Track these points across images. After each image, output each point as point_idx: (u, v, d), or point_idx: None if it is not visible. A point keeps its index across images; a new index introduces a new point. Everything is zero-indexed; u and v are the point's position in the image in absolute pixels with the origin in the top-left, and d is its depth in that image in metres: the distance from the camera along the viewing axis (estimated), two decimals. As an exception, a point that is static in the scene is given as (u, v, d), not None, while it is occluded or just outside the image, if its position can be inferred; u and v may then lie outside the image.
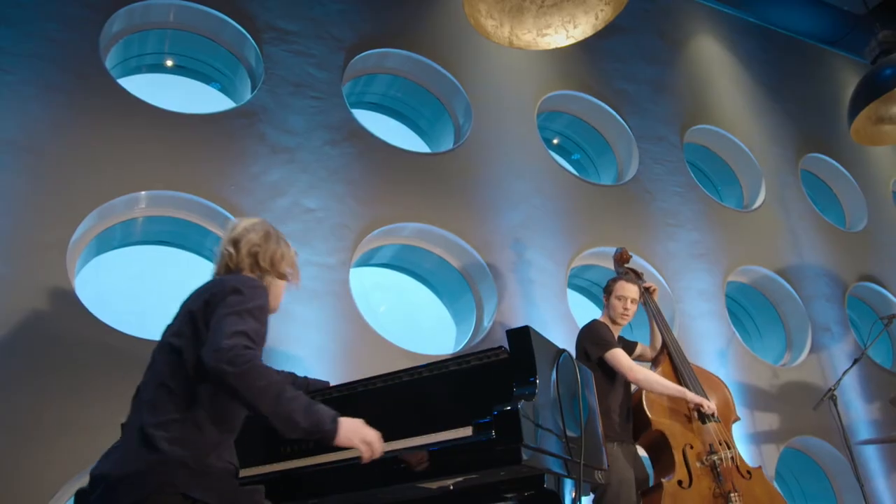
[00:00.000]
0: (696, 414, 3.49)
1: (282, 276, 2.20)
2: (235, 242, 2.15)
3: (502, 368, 2.15)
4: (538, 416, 1.97)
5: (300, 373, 3.03)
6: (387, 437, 2.15)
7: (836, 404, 4.23)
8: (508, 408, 1.89)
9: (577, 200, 5.06)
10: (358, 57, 4.71)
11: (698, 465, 3.35)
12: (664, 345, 3.77)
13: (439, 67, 5.01)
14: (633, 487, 3.24)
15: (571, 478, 2.15)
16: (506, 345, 2.17)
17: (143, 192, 3.67)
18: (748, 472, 3.43)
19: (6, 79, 3.53)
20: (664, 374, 3.63)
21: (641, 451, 3.62)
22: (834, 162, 7.03)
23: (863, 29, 7.14)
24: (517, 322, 4.23)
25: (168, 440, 1.77)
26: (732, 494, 3.26)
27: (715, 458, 3.35)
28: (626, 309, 3.62)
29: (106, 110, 3.72)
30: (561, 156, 5.81)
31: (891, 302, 6.35)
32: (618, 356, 3.42)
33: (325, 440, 1.83)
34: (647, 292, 3.90)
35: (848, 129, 4.96)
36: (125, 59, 4.40)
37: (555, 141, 5.97)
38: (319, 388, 2.59)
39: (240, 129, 4.05)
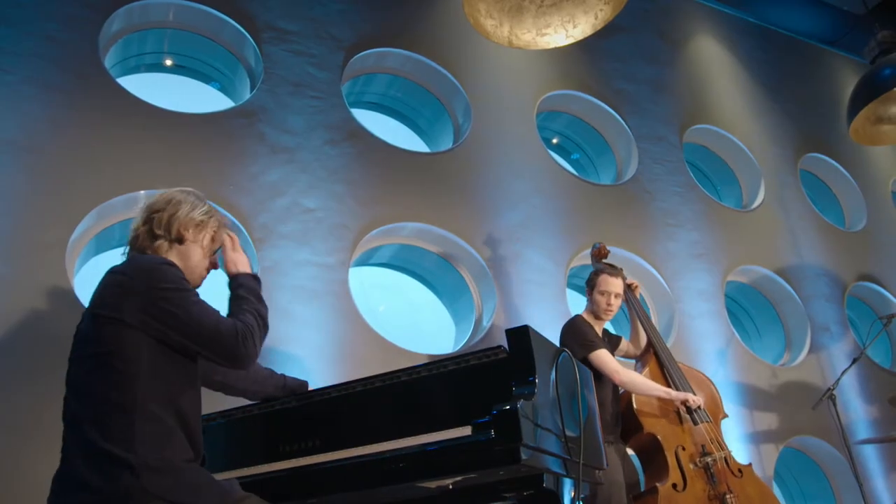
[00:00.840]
0: (685, 413, 3.48)
1: (181, 240, 2.02)
2: (140, 212, 2.06)
3: (501, 368, 2.14)
4: (537, 416, 1.97)
5: (300, 373, 3.04)
6: (386, 437, 2.16)
7: (835, 404, 4.23)
8: (507, 407, 1.89)
9: (576, 200, 5.06)
10: (357, 56, 4.71)
11: (692, 466, 3.33)
12: (649, 343, 3.74)
13: (439, 67, 5.01)
14: (623, 489, 3.23)
15: (571, 477, 2.15)
16: (505, 344, 2.17)
17: (142, 192, 3.67)
18: (739, 471, 3.43)
19: (5, 78, 3.53)
20: (651, 373, 3.60)
21: (630, 452, 3.61)
22: (833, 162, 7.04)
23: (862, 29, 7.14)
24: (516, 322, 4.23)
25: (127, 448, 1.68)
26: (728, 496, 3.25)
27: (708, 459, 3.34)
28: (609, 304, 3.58)
29: (105, 110, 3.72)
30: (560, 155, 5.81)
31: (890, 302, 6.36)
32: (603, 358, 3.38)
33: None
34: (629, 289, 3.88)
35: (847, 128, 4.96)
36: (124, 58, 4.40)
37: (554, 141, 5.97)
38: (297, 386, 2.57)
39: (239, 129, 4.05)
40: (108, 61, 4.05)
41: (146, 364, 1.79)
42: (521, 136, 5.10)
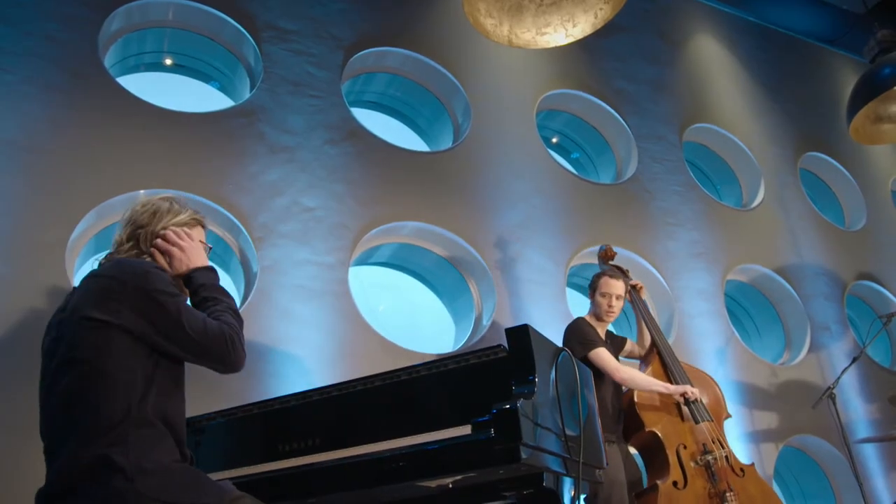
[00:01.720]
0: (687, 411, 3.49)
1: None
2: (123, 223, 2.03)
3: (501, 367, 2.14)
4: (537, 415, 1.97)
5: (300, 372, 3.04)
6: (385, 436, 2.16)
7: (834, 403, 4.23)
8: (507, 406, 1.89)
9: (576, 199, 5.06)
10: (357, 56, 4.71)
11: (692, 465, 3.34)
12: (653, 343, 3.75)
13: (438, 66, 5.01)
14: (624, 488, 3.24)
15: (570, 476, 2.15)
16: (505, 343, 2.17)
17: (141, 191, 3.67)
18: (741, 470, 3.43)
19: (5, 78, 3.53)
20: (654, 373, 3.62)
21: (633, 451, 3.62)
22: (833, 161, 7.04)
23: (862, 28, 7.14)
24: (516, 321, 4.23)
25: (119, 452, 1.65)
26: (728, 494, 3.26)
27: (709, 457, 3.35)
28: (610, 306, 3.60)
29: (105, 109, 3.72)
30: (560, 155, 5.81)
31: (890, 301, 6.36)
32: (602, 356, 3.40)
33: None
34: (633, 290, 3.89)
35: (847, 128, 4.96)
36: (124, 57, 4.40)
37: (554, 140, 5.97)
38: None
39: (239, 129, 4.05)
40: (108, 61, 4.05)
41: (137, 368, 1.77)
42: (520, 136, 5.10)
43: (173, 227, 2.02)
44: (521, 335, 2.12)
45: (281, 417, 2.49)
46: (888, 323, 4.59)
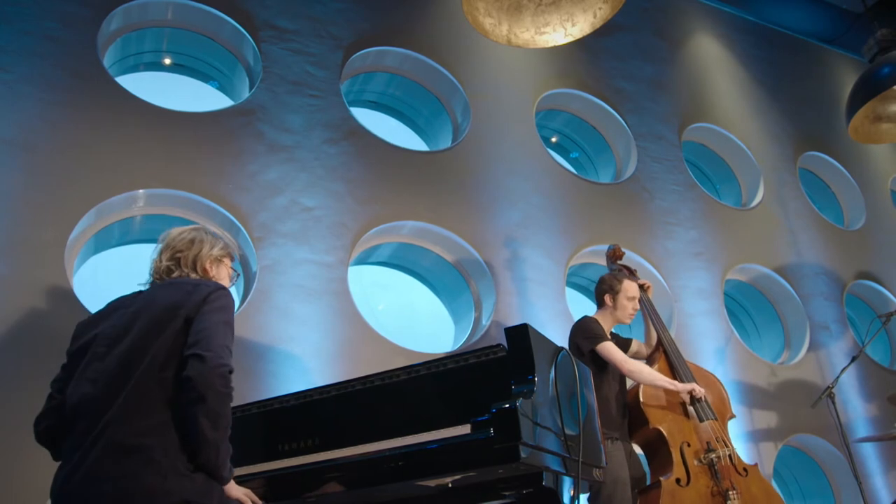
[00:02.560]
0: (692, 409, 3.49)
1: (206, 277, 2.20)
2: (160, 252, 2.21)
3: (501, 366, 2.15)
4: (536, 414, 1.97)
5: (299, 371, 3.04)
6: (385, 435, 2.16)
7: (834, 402, 4.23)
8: (507, 406, 1.89)
9: (575, 199, 5.06)
10: (356, 55, 4.71)
11: (696, 463, 3.35)
12: (659, 342, 3.77)
13: (438, 66, 5.01)
14: (627, 486, 3.24)
15: (570, 476, 2.15)
16: (504, 343, 2.17)
17: (140, 191, 3.67)
18: (745, 470, 3.44)
19: (4, 77, 3.52)
20: (660, 371, 3.62)
21: (637, 449, 3.62)
22: (832, 160, 7.04)
23: (861, 27, 7.15)
24: (515, 320, 4.23)
25: (155, 448, 1.76)
26: (731, 492, 3.27)
27: (713, 455, 3.35)
28: (635, 308, 3.66)
29: (104, 108, 3.71)
30: (559, 154, 5.81)
31: (889, 300, 6.36)
32: (609, 348, 3.42)
33: (217, 481, 1.89)
34: (641, 289, 3.90)
35: (846, 127, 4.96)
36: (123, 57, 4.40)
37: (553, 139, 5.97)
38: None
39: (238, 128, 4.05)
40: (107, 60, 4.05)
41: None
42: (520, 135, 5.09)
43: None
44: (521, 334, 2.12)
45: (280, 417, 2.49)
46: (887, 322, 4.59)
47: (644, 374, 3.44)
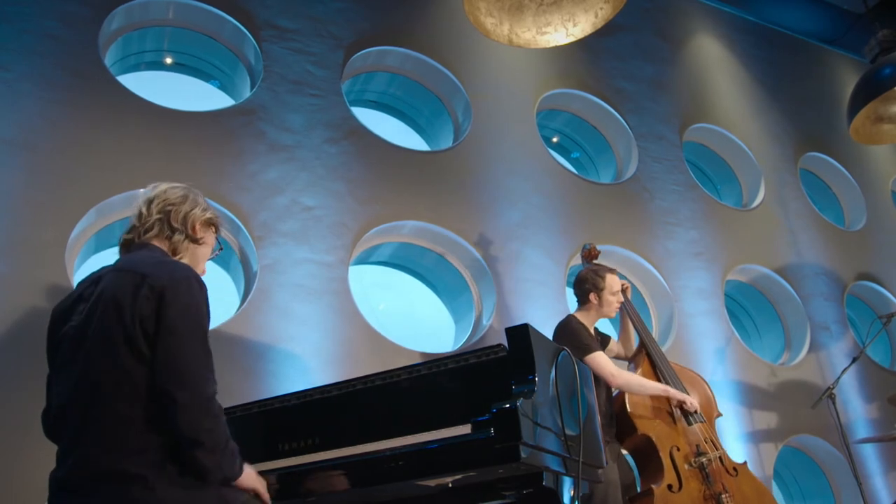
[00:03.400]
0: (678, 413, 3.47)
1: (195, 241, 2.03)
2: (150, 202, 2.02)
3: (501, 366, 2.14)
4: (537, 414, 1.97)
5: (299, 371, 3.03)
6: (385, 435, 2.16)
7: (834, 403, 4.23)
8: (507, 406, 1.89)
9: (576, 199, 5.06)
10: (357, 55, 4.71)
11: (687, 467, 3.32)
12: (642, 344, 3.73)
13: (439, 66, 5.01)
14: (619, 488, 3.22)
15: (570, 476, 2.15)
16: (505, 343, 2.17)
17: (141, 190, 3.65)
18: (734, 469, 3.42)
19: (4, 76, 3.52)
20: (644, 374, 3.58)
21: (625, 453, 3.60)
22: (833, 161, 7.04)
23: (862, 28, 7.14)
24: (516, 320, 4.23)
25: (141, 462, 1.65)
26: (723, 496, 3.24)
27: (703, 459, 3.33)
28: (619, 301, 3.63)
29: (104, 108, 3.71)
30: (560, 154, 5.81)
31: (889, 301, 6.36)
32: (599, 361, 3.37)
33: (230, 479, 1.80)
34: (622, 290, 3.88)
35: (847, 128, 4.96)
36: (124, 56, 4.40)
37: (554, 139, 5.97)
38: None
39: (239, 127, 4.05)
40: (108, 59, 4.05)
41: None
42: (521, 135, 5.09)
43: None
44: (521, 334, 2.12)
45: (281, 416, 2.49)
46: (888, 323, 4.59)
47: (633, 385, 3.39)
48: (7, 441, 2.88)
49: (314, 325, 3.72)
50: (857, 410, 5.50)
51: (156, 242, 2.00)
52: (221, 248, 2.18)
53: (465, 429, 1.95)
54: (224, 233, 3.84)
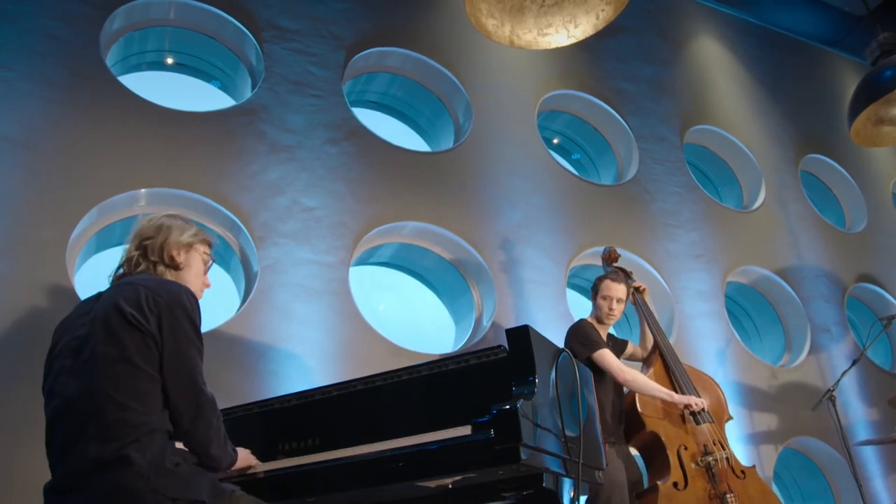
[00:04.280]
0: (688, 414, 3.49)
1: (176, 267, 2.08)
2: (132, 238, 2.11)
3: (501, 368, 2.14)
4: (537, 416, 1.97)
5: (300, 371, 3.03)
6: (385, 436, 2.16)
7: (834, 405, 4.23)
8: (507, 407, 1.89)
9: (576, 200, 5.06)
10: (358, 55, 4.71)
11: (693, 466, 3.35)
12: (656, 345, 3.75)
13: (440, 66, 5.01)
14: (625, 489, 3.23)
15: (570, 477, 2.15)
16: (505, 344, 2.17)
17: (142, 190, 3.67)
18: (742, 472, 3.43)
19: (5, 75, 3.52)
20: (656, 375, 3.61)
21: (634, 452, 3.62)
22: (834, 163, 7.04)
23: (863, 30, 7.14)
24: (516, 321, 4.23)
25: (136, 450, 1.72)
26: (728, 495, 3.26)
27: (710, 458, 3.35)
28: (611, 309, 3.61)
29: (106, 108, 3.72)
30: (561, 155, 5.81)
31: (890, 303, 6.35)
32: (606, 357, 3.41)
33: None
34: (637, 292, 3.89)
35: (848, 130, 4.95)
36: (126, 56, 4.40)
37: (555, 140, 5.97)
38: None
39: (240, 127, 4.05)
40: (110, 59, 4.05)
41: (157, 376, 1.85)
42: (521, 136, 5.09)
43: None
44: (522, 336, 2.12)
45: (281, 417, 2.49)
46: (888, 325, 4.59)
47: (640, 383, 3.43)
48: (7, 441, 2.88)
49: (315, 326, 3.72)
50: (857, 412, 5.49)
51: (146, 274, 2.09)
52: (214, 260, 2.24)
53: (466, 430, 1.94)
54: (224, 233, 3.85)
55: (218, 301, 3.85)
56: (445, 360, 2.28)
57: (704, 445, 3.41)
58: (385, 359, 3.73)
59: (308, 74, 4.42)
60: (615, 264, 4.00)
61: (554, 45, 3.25)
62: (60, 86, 3.64)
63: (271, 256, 3.79)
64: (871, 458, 5.33)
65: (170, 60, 4.61)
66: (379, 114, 5.24)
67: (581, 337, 3.50)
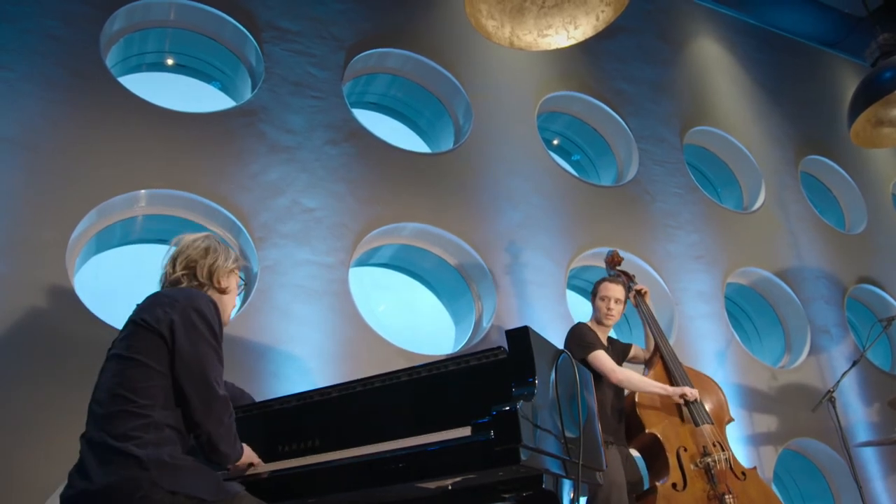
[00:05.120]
0: (688, 414, 3.50)
1: (222, 291, 2.23)
2: (174, 259, 2.22)
3: (501, 369, 2.14)
4: (537, 417, 1.97)
5: (299, 372, 3.03)
6: (385, 437, 2.15)
7: (834, 406, 4.23)
8: (507, 408, 1.89)
9: (576, 201, 5.06)
10: (358, 56, 4.71)
11: (692, 467, 3.35)
12: (656, 347, 3.78)
13: (440, 68, 5.01)
14: (623, 490, 3.24)
15: (570, 478, 2.15)
16: (505, 345, 2.17)
17: (142, 191, 3.67)
18: (742, 474, 3.44)
19: (6, 76, 3.52)
20: (656, 376, 3.64)
21: (635, 453, 3.62)
22: (833, 164, 7.04)
23: (863, 31, 7.15)
24: (516, 322, 4.23)
25: (138, 444, 1.82)
26: (727, 496, 3.26)
27: (709, 459, 3.35)
28: (609, 309, 3.63)
29: (105, 108, 3.72)
30: (561, 156, 5.81)
31: (890, 304, 6.35)
32: (600, 358, 3.43)
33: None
34: (638, 295, 3.91)
35: (847, 131, 4.95)
36: (126, 57, 4.40)
37: (555, 142, 5.97)
38: (246, 405, 2.63)
39: (240, 128, 4.05)
40: (110, 60, 4.05)
41: (167, 373, 1.96)
42: (521, 137, 5.10)
43: None
44: (521, 337, 2.12)
45: (281, 418, 2.49)
46: (888, 326, 4.59)
47: (634, 381, 3.46)
48: (7, 441, 2.87)
49: (315, 327, 3.72)
50: (857, 414, 5.49)
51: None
52: (246, 285, 2.38)
53: (465, 431, 1.94)
54: (224, 234, 3.86)
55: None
56: (445, 361, 2.28)
57: (704, 447, 3.41)
58: (385, 360, 3.73)
59: (308, 75, 4.42)
60: (618, 268, 4.02)
61: (554, 47, 3.25)
62: (60, 86, 3.64)
63: (271, 257, 3.79)
64: (871, 460, 5.33)
65: (170, 61, 4.61)
66: (379, 115, 5.24)
67: (577, 338, 3.54)
